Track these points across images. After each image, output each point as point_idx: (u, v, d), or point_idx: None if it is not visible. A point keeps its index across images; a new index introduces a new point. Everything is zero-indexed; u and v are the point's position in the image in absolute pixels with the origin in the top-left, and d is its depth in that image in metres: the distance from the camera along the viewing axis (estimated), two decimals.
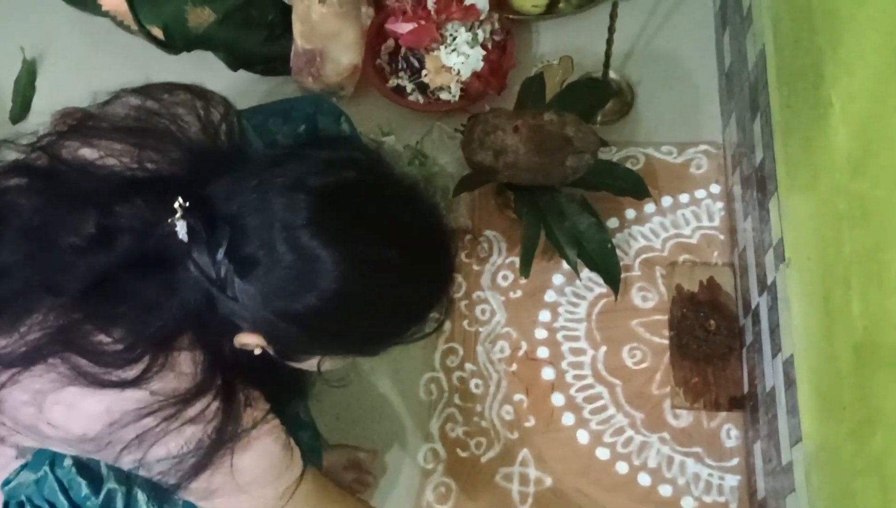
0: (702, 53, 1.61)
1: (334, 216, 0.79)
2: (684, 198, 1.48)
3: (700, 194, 1.48)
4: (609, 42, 1.43)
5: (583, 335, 1.38)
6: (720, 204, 1.46)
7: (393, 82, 1.57)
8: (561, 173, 1.31)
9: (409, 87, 1.56)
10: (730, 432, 1.29)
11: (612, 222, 1.46)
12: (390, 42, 1.59)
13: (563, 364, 1.36)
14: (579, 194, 1.37)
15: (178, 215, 0.77)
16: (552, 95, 1.48)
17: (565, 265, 1.39)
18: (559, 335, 1.38)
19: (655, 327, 1.38)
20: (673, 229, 1.45)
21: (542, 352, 1.37)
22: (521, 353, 1.38)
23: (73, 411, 0.83)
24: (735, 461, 1.28)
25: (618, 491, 1.27)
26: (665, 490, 1.27)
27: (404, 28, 1.53)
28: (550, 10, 1.65)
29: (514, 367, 1.37)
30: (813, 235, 1.05)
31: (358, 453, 1.29)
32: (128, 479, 1.03)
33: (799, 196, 1.12)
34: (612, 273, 1.35)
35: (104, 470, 1.03)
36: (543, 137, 1.29)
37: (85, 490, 1.04)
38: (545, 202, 1.34)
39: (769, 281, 1.20)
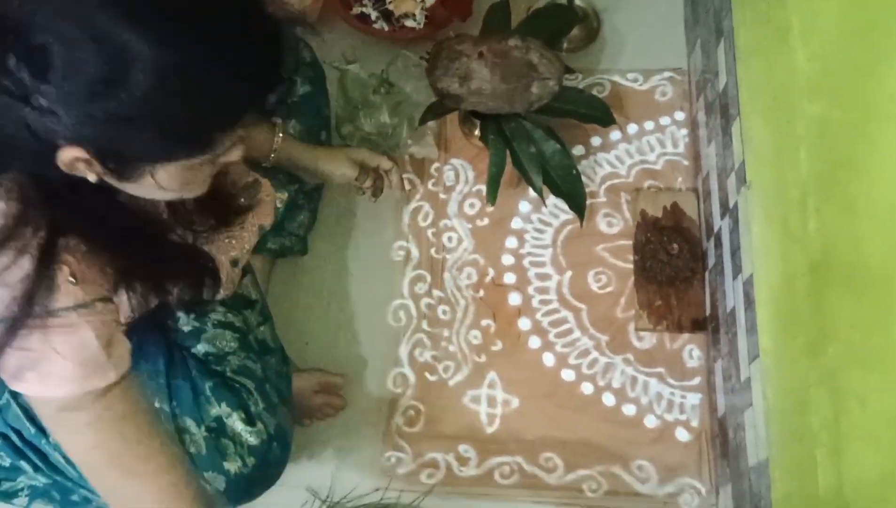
0: None
1: None
2: (649, 125, 1.49)
3: (665, 120, 1.49)
4: None
5: (549, 260, 1.40)
6: (685, 131, 1.48)
7: (357, 10, 1.55)
8: (526, 100, 1.31)
9: (374, 14, 1.54)
10: (692, 352, 1.33)
11: (578, 150, 1.47)
12: None
13: (530, 290, 1.38)
14: (545, 121, 1.37)
15: None
16: (518, 22, 1.47)
17: (531, 193, 1.40)
18: (525, 261, 1.40)
19: (620, 252, 1.40)
20: (638, 155, 1.47)
21: (509, 278, 1.39)
22: (487, 279, 1.40)
23: None
24: (696, 380, 1.31)
25: (583, 411, 1.31)
26: (629, 409, 1.30)
27: None
28: None
29: (482, 293, 1.39)
30: (772, 157, 1.07)
31: (328, 377, 1.31)
32: None
33: (760, 119, 1.13)
34: (577, 199, 1.36)
35: None
36: (508, 63, 1.29)
37: None
38: (511, 129, 1.35)
39: (731, 204, 1.22)
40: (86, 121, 0.72)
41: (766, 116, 1.10)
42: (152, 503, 0.88)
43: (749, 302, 1.12)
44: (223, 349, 1.14)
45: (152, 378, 1.07)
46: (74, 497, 1.11)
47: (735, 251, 1.19)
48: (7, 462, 1.09)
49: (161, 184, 0.80)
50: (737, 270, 1.18)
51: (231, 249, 1.14)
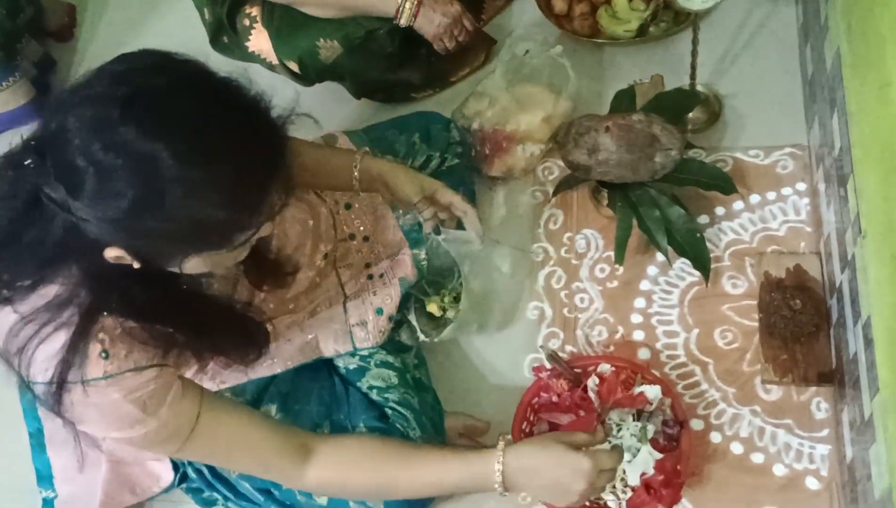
0: (786, 65, 1.72)
1: (145, 112, 0.79)
2: (771, 195, 1.58)
3: (786, 191, 1.58)
4: (694, 54, 1.56)
5: (676, 319, 1.49)
6: (806, 200, 1.56)
7: None
8: (650, 169, 1.44)
9: None
10: (819, 405, 1.37)
11: (703, 219, 1.57)
12: (544, 426, 1.38)
13: (658, 345, 1.47)
14: (669, 189, 1.49)
15: (28, 161, 0.83)
16: (642, 105, 1.61)
17: (659, 257, 1.50)
18: (653, 320, 1.50)
19: (745, 311, 1.47)
20: (761, 223, 1.55)
21: (638, 335, 1.49)
22: (617, 336, 1.49)
23: None
24: (825, 431, 1.35)
25: (711, 458, 1.36)
26: (757, 458, 1.35)
27: (561, 419, 1.35)
28: (641, 34, 1.79)
29: (612, 348, 1.48)
30: (882, 202, 1.15)
31: (474, 421, 1.42)
32: None
33: (870, 172, 1.21)
34: (701, 259, 1.45)
35: None
36: (632, 135, 1.43)
37: None
38: (637, 196, 1.47)
39: (849, 256, 1.29)
40: (116, 230, 0.83)
41: (874, 166, 1.19)
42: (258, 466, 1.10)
43: (868, 342, 1.17)
44: (387, 382, 1.31)
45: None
46: None
47: (854, 298, 1.25)
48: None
49: (192, 270, 0.91)
50: (856, 316, 1.24)
51: (374, 300, 1.33)
